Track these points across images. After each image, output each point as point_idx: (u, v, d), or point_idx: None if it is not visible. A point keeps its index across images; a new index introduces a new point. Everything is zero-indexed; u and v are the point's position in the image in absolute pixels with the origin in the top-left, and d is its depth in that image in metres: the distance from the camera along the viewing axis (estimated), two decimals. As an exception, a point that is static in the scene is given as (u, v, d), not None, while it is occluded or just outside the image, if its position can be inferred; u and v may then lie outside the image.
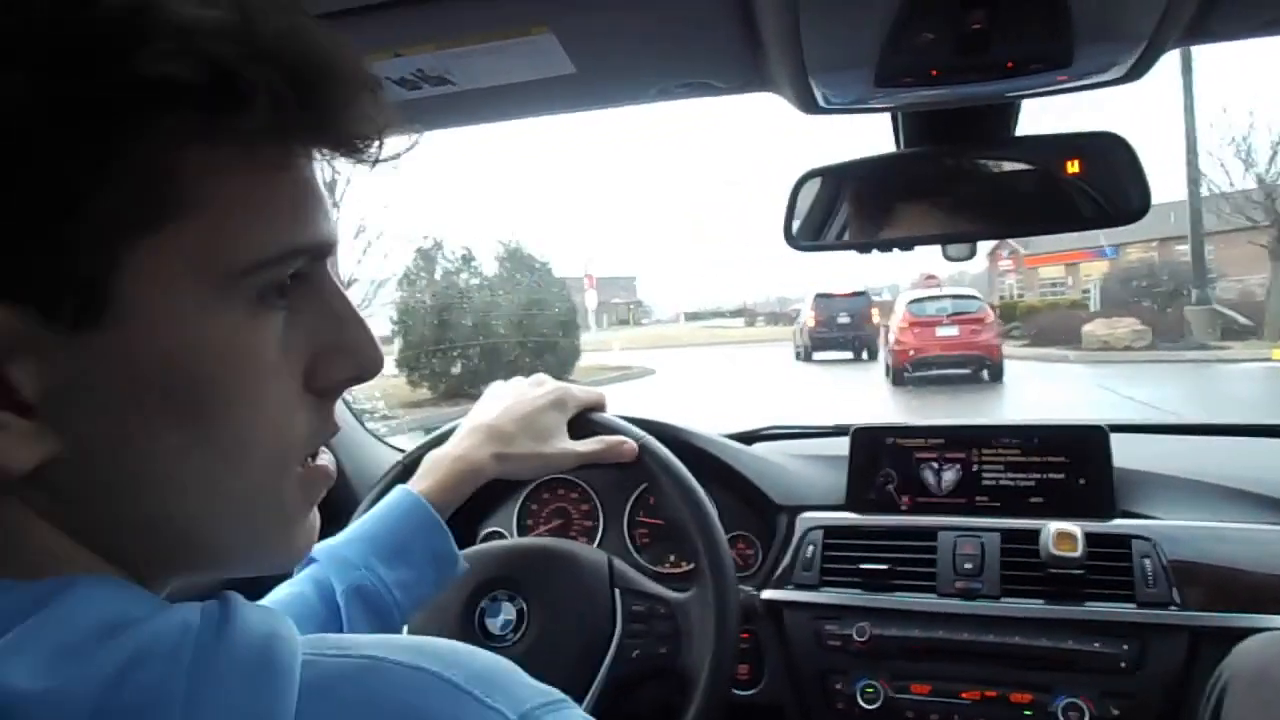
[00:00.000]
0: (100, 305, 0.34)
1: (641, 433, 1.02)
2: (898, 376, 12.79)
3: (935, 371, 12.52)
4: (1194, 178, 16.12)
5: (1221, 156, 17.98)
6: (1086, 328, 16.25)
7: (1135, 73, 0.87)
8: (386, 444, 1.49)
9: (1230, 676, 0.90)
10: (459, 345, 11.21)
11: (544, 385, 1.02)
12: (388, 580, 0.82)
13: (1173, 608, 1.07)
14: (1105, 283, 21.78)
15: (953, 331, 12.55)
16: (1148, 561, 1.10)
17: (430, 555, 0.86)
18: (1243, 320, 15.35)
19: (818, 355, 16.80)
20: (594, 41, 0.82)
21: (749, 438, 1.47)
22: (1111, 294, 20.32)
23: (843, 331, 16.55)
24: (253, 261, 0.37)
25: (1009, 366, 13.65)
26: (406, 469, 1.02)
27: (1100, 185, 0.98)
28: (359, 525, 0.87)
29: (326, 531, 0.90)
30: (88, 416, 0.35)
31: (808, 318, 17.06)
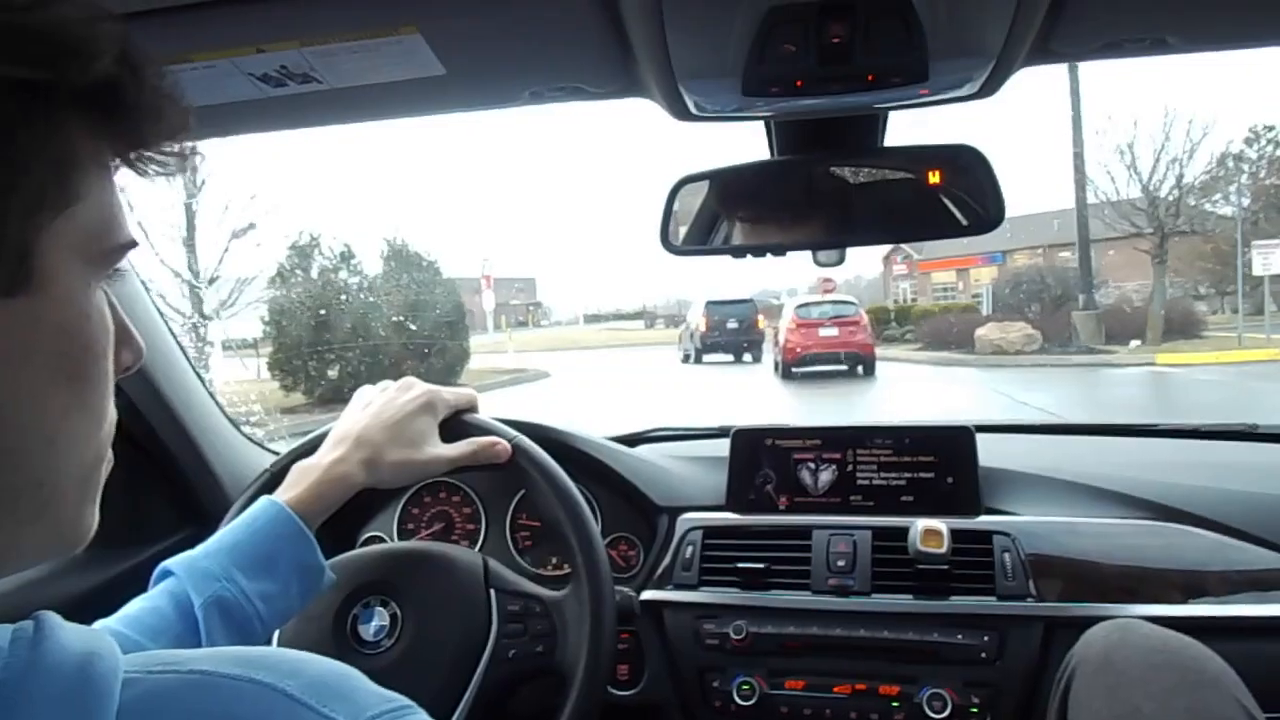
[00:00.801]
0: (26, 274, 0.38)
1: (514, 433, 1.04)
2: (786, 371, 14.60)
3: (818, 367, 14.39)
4: (1081, 183, 17.06)
5: (1108, 164, 19.09)
6: (979, 332, 16.99)
7: (988, 89, 0.95)
8: (263, 448, 1.48)
9: (1078, 662, 0.99)
10: (337, 347, 10.90)
11: (412, 390, 1.02)
12: (249, 591, 0.82)
13: (1030, 599, 1.17)
14: (995, 288, 22.85)
15: (833, 332, 14.69)
16: (1007, 556, 1.20)
17: (295, 566, 0.86)
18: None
19: (708, 358, 18.01)
20: (463, 43, 0.84)
21: (632, 440, 1.52)
22: (1002, 299, 21.34)
23: (731, 336, 17.79)
24: (115, 245, 0.44)
25: (903, 370, 15.06)
26: (274, 478, 1.02)
27: (960, 195, 1.06)
28: (220, 536, 0.86)
29: (197, 536, 0.90)
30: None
31: (699, 323, 18.14)
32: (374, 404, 1.01)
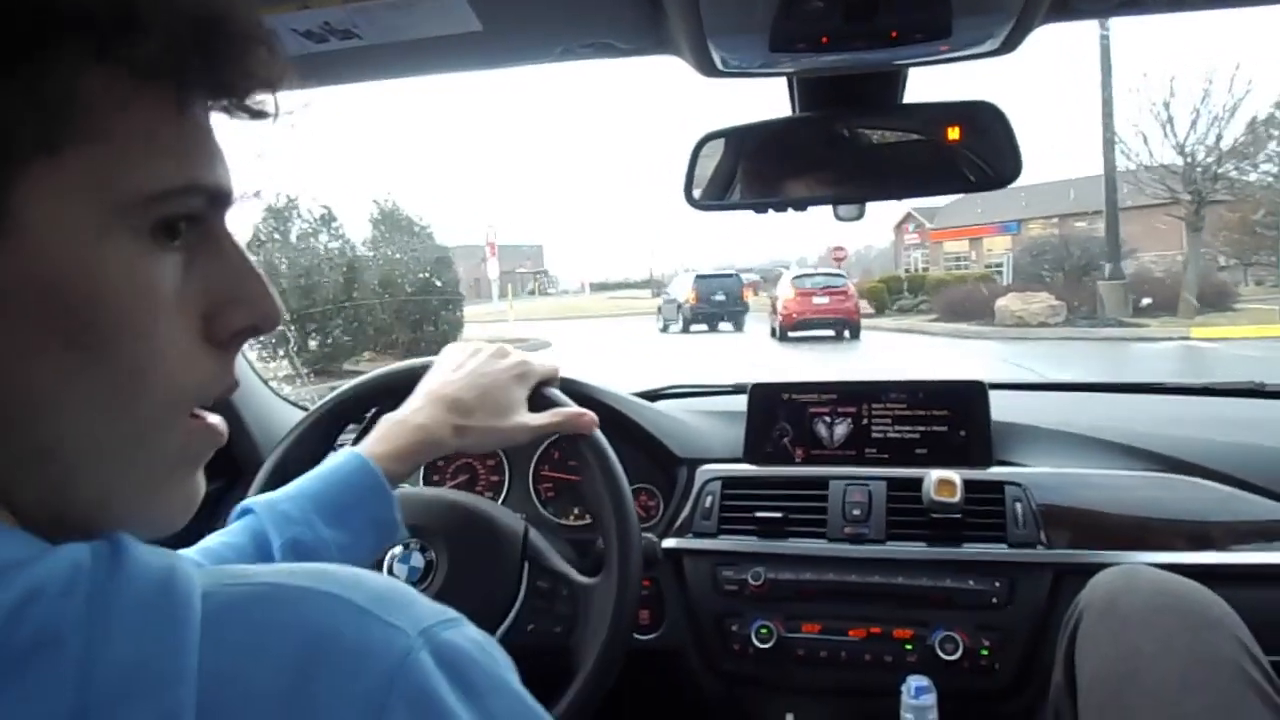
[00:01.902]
0: None
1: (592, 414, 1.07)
2: (783, 334, 17.24)
3: (810, 332, 16.99)
4: (1109, 141, 16.58)
5: (1141, 124, 18.52)
6: (1000, 302, 17.05)
7: (1009, 45, 1.01)
8: (291, 403, 1.55)
9: (1085, 606, 1.06)
10: (318, 315, 10.71)
11: (508, 358, 1.05)
12: (326, 538, 0.84)
13: (1039, 547, 1.26)
14: (1016, 256, 22.77)
15: (825, 300, 17.47)
16: (1019, 505, 1.28)
17: (372, 520, 0.89)
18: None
19: (694, 327, 20.13)
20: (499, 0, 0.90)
21: (653, 396, 1.61)
22: (1022, 268, 21.32)
23: (718, 307, 20.01)
24: (149, 192, 0.40)
25: (916, 343, 15.65)
26: (324, 421, 1.11)
27: (978, 151, 1.13)
28: (302, 482, 0.89)
29: (228, 489, 0.96)
30: None
31: (689, 295, 20.18)
32: (466, 367, 1.03)
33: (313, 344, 10.60)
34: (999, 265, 24.65)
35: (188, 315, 0.43)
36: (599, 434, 1.07)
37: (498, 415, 1.00)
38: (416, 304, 11.31)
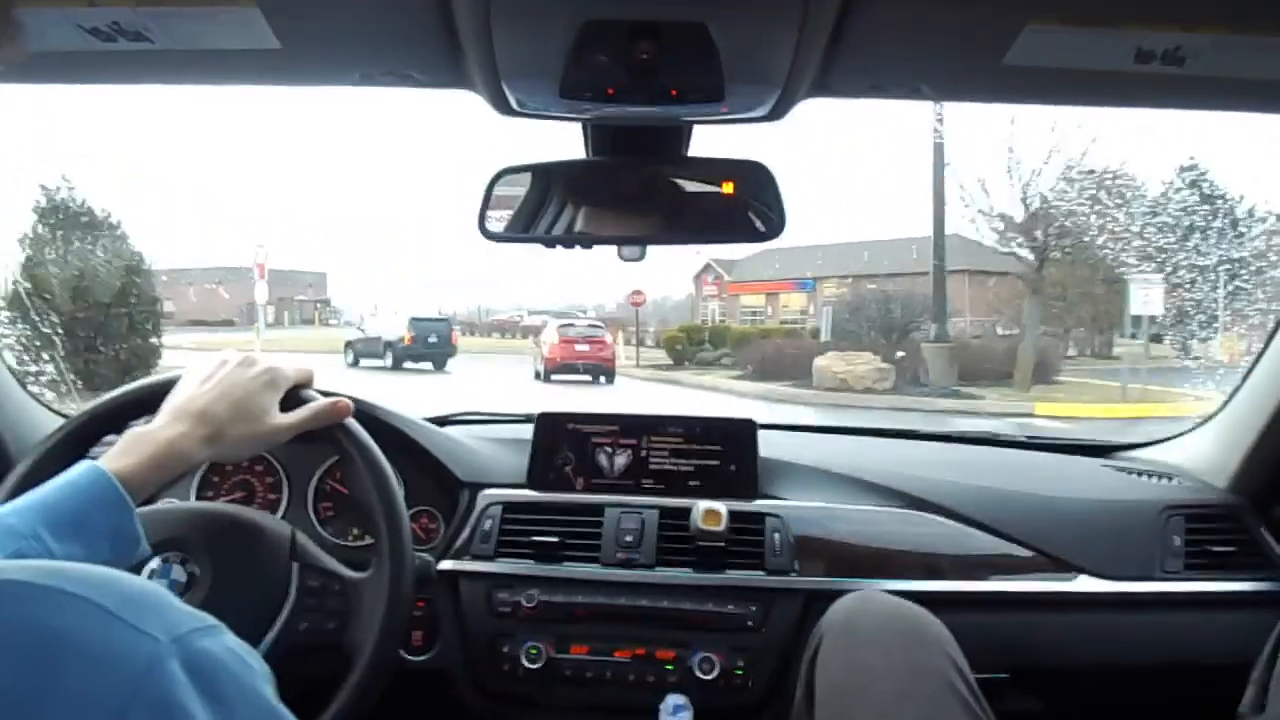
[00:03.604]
0: None
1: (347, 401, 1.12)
2: (547, 376, 19.07)
3: (570, 376, 18.83)
4: (939, 194, 15.62)
5: (981, 174, 18.44)
6: (819, 362, 15.93)
7: (777, 112, 1.15)
8: (51, 410, 1.50)
9: (826, 628, 1.20)
10: None
11: (255, 366, 1.06)
12: (55, 553, 0.83)
13: (793, 574, 1.40)
14: (836, 310, 22.83)
15: (585, 348, 19.57)
16: (777, 536, 1.43)
17: (109, 533, 0.88)
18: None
19: (407, 365, 21.31)
20: (298, 20, 0.94)
21: (442, 421, 1.67)
22: (837, 324, 21.70)
23: (430, 348, 21.47)
24: None
25: (726, 405, 15.35)
26: (76, 436, 1.08)
27: (749, 206, 1.26)
28: (31, 495, 0.88)
29: None
30: None
31: (404, 335, 21.34)
32: (214, 378, 1.04)
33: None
34: (796, 321, 25.54)
35: None
36: (355, 423, 1.11)
37: (250, 422, 1.03)
38: (86, 323, 9.26)
